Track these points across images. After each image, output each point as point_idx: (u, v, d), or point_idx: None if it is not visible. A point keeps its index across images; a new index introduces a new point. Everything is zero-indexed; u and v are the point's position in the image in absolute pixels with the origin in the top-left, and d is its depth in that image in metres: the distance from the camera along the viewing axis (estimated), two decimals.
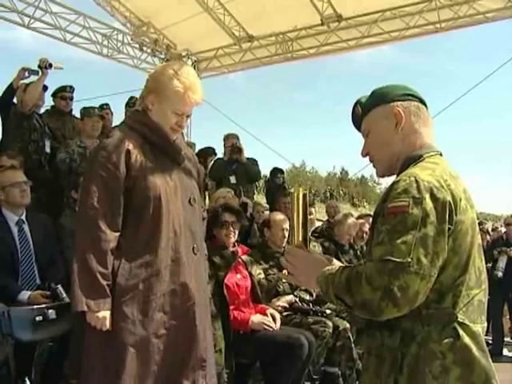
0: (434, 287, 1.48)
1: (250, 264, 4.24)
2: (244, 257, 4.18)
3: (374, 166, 1.77)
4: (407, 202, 1.46)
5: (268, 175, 8.27)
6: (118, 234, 2.35)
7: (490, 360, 1.55)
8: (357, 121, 1.79)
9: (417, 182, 1.49)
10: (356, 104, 1.79)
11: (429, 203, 1.46)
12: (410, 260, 1.40)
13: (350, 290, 1.47)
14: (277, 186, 7.57)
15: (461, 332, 1.50)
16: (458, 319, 1.51)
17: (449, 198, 1.49)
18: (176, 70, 2.44)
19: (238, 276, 3.91)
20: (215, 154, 7.45)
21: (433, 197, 1.47)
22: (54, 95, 5.72)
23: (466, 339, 1.50)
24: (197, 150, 7.16)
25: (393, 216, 1.48)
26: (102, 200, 2.32)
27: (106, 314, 2.29)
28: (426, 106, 1.74)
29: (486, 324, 1.61)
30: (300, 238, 1.77)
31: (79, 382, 2.45)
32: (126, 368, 2.29)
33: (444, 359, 1.49)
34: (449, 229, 1.48)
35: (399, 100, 1.69)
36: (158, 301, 2.36)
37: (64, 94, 5.70)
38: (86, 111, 5.42)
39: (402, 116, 1.67)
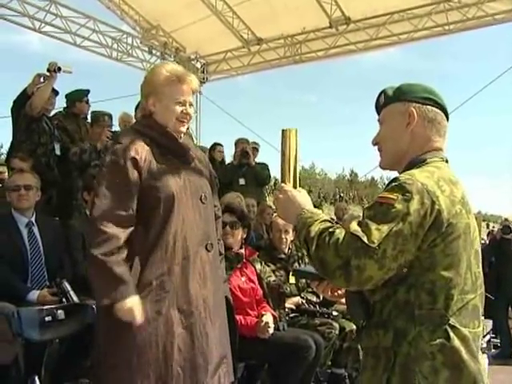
0: (426, 287, 1.55)
1: (260, 265, 4.25)
2: (253, 258, 4.19)
3: (380, 155, 1.82)
4: (396, 197, 1.53)
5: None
6: (129, 231, 2.37)
7: (480, 365, 1.58)
8: (378, 109, 1.84)
9: (412, 181, 1.55)
10: (381, 93, 1.82)
11: (415, 204, 1.52)
12: (376, 247, 1.48)
13: (318, 243, 1.56)
14: None
15: (451, 334, 1.54)
16: (450, 322, 1.55)
17: (437, 206, 1.53)
18: (163, 67, 2.59)
19: (243, 279, 3.90)
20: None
21: (421, 200, 1.52)
22: (78, 100, 5.74)
23: (456, 342, 1.54)
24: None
25: (379, 205, 1.56)
26: (112, 202, 2.35)
27: (131, 302, 2.26)
28: (447, 115, 1.77)
29: (480, 329, 1.64)
30: (291, 178, 1.84)
31: (93, 382, 2.48)
32: (143, 367, 2.30)
33: (434, 360, 1.53)
34: (441, 232, 1.54)
35: (419, 102, 1.73)
36: (172, 298, 2.37)
37: (88, 98, 5.79)
38: (95, 118, 5.45)
39: (414, 117, 1.71)
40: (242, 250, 3.96)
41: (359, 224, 1.55)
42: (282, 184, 1.82)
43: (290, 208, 1.75)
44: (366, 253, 1.48)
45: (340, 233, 1.55)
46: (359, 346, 4.37)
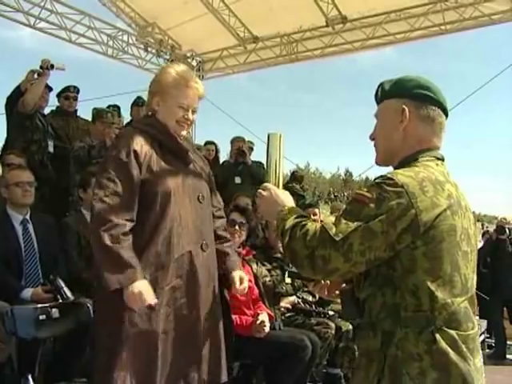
0: (410, 289, 1.56)
1: (256, 265, 4.24)
2: (249, 258, 4.18)
3: (375, 152, 1.82)
4: (372, 195, 1.55)
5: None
6: (131, 222, 2.35)
7: (470, 366, 1.56)
8: (377, 101, 1.83)
9: (392, 181, 1.56)
10: (379, 86, 1.81)
11: (389, 204, 1.52)
12: (340, 241, 1.52)
13: (291, 235, 1.63)
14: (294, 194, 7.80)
15: (438, 337, 1.53)
16: (436, 324, 1.54)
17: (414, 208, 1.52)
18: (174, 68, 2.58)
19: None
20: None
21: (397, 200, 1.52)
22: (58, 95, 5.75)
23: (443, 344, 1.53)
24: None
25: (355, 202, 1.59)
26: (113, 194, 2.33)
27: (139, 287, 2.24)
28: (445, 111, 1.74)
29: (475, 330, 1.63)
30: (275, 180, 1.95)
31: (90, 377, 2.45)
32: (133, 363, 2.29)
33: (421, 361, 1.52)
34: (419, 234, 1.53)
35: (413, 99, 1.71)
36: (165, 295, 2.37)
37: (68, 93, 5.72)
38: (98, 114, 5.42)
39: (406, 116, 1.69)
40: (240, 249, 3.95)
41: (332, 217, 1.57)
42: (266, 183, 1.90)
43: (272, 205, 1.81)
44: (331, 245, 1.53)
45: (311, 225, 1.61)
46: (355, 347, 4.38)
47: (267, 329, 3.69)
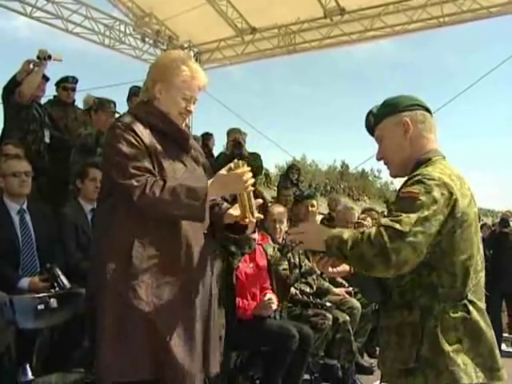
0: (447, 269, 1.79)
1: (272, 250, 4.19)
2: (265, 243, 4.15)
3: (387, 168, 2.05)
4: (419, 190, 1.75)
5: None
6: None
7: (493, 332, 1.84)
8: (370, 128, 2.06)
9: (430, 176, 1.79)
10: (369, 114, 2.05)
11: (436, 195, 1.74)
12: (408, 231, 1.68)
13: (352, 243, 1.75)
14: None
15: (471, 308, 1.79)
16: (468, 297, 1.80)
17: (454, 196, 1.75)
18: (180, 56, 2.51)
19: (251, 265, 3.88)
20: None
21: (439, 191, 1.75)
22: (56, 84, 5.73)
23: (475, 314, 1.79)
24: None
25: (404, 199, 1.78)
26: (127, 157, 2.30)
27: (216, 178, 2.36)
28: (430, 113, 2.01)
29: (485, 304, 1.88)
30: (249, 209, 2.15)
31: (93, 367, 2.42)
32: (142, 353, 2.25)
33: (457, 331, 1.76)
34: (455, 219, 1.77)
35: (407, 110, 1.96)
36: (172, 287, 2.33)
37: (66, 84, 5.71)
38: (101, 105, 5.39)
39: (409, 125, 1.94)
40: (255, 235, 3.89)
41: (387, 217, 1.79)
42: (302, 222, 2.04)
43: (319, 234, 1.90)
44: (399, 236, 1.68)
45: (370, 230, 1.75)
46: (352, 338, 4.40)
47: (274, 306, 3.70)
